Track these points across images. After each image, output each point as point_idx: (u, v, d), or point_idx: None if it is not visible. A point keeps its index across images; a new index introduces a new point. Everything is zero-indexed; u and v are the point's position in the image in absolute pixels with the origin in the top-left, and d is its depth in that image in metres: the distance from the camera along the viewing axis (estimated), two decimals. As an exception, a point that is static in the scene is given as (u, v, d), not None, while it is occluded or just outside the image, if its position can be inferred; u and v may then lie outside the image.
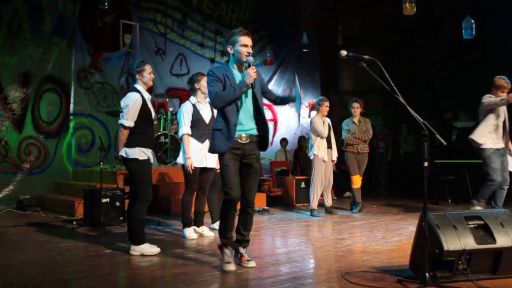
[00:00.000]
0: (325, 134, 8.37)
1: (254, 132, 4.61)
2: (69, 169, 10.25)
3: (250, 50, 4.52)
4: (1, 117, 9.40)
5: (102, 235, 6.51)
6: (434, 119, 12.34)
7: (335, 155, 8.61)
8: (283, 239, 6.36)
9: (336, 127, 11.44)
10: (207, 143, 6.27)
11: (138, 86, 5.35)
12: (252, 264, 4.63)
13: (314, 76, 15.06)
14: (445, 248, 3.86)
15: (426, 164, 3.84)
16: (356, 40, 15.91)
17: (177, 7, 12.29)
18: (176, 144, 9.30)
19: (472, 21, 9.99)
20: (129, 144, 5.23)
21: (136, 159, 5.21)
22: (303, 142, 12.99)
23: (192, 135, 6.22)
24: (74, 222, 7.39)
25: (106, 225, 6.87)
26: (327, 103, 8.52)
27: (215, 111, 6.44)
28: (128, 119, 5.20)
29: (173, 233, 6.69)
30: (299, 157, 12.58)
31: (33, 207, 9.02)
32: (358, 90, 15.50)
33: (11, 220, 7.82)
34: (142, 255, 5.17)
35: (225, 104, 4.44)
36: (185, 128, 6.19)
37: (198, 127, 6.24)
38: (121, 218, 7.21)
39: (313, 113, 8.66)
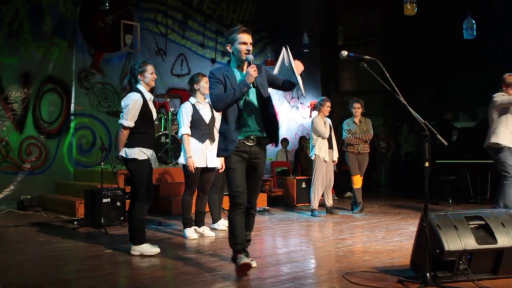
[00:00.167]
0: (327, 134, 8.37)
1: (262, 133, 4.44)
2: (70, 169, 10.26)
3: (250, 48, 4.35)
4: (2, 118, 9.41)
5: (103, 235, 6.51)
6: (434, 119, 12.35)
7: (336, 155, 8.61)
8: (284, 239, 6.36)
9: (337, 127, 11.44)
10: (207, 143, 6.28)
11: (140, 86, 5.35)
12: (253, 264, 4.53)
13: (315, 76, 15.06)
14: (446, 248, 3.86)
15: (427, 164, 3.84)
16: (357, 41, 15.93)
17: (178, 7, 12.30)
18: (177, 144, 9.30)
19: (473, 21, 9.99)
20: (129, 144, 5.24)
21: (135, 159, 5.20)
22: (303, 142, 13.00)
23: (192, 135, 6.22)
24: (75, 222, 7.39)
25: (106, 225, 6.87)
26: (328, 104, 8.52)
27: (215, 112, 6.47)
28: (128, 119, 5.20)
29: (173, 233, 6.69)
30: (299, 157, 12.58)
31: (34, 207, 9.02)
32: (359, 90, 15.51)
33: (12, 220, 7.82)
34: (143, 255, 5.17)
35: (226, 106, 4.29)
36: (184, 128, 6.20)
37: (198, 127, 6.24)
38: (122, 218, 7.21)
39: (314, 113, 8.67)
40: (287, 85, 4.53)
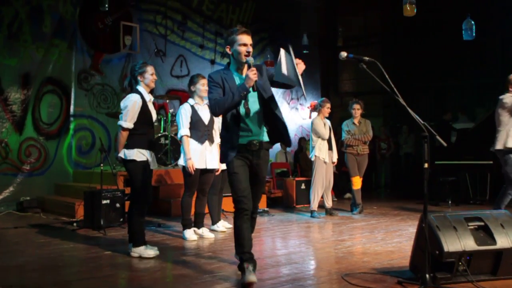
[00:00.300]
0: (326, 135, 8.38)
1: (264, 137, 4.31)
2: (69, 171, 10.25)
3: (250, 49, 4.20)
4: (2, 119, 9.40)
5: (102, 237, 6.51)
6: (434, 120, 12.35)
7: (335, 156, 8.62)
8: (283, 241, 6.36)
9: (336, 129, 11.44)
10: (207, 144, 6.28)
11: (140, 87, 5.34)
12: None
13: (315, 77, 15.07)
14: (445, 249, 3.86)
15: (426, 165, 3.84)
16: (356, 42, 15.94)
17: (177, 8, 12.30)
18: (176, 146, 9.30)
19: (472, 22, 10.00)
20: (128, 145, 5.23)
21: (133, 160, 5.19)
22: (303, 144, 12.98)
23: (191, 137, 6.22)
24: (74, 224, 7.39)
25: (106, 227, 6.87)
26: (328, 105, 8.53)
27: (214, 117, 6.48)
28: (127, 121, 5.19)
29: (173, 234, 6.69)
30: (299, 159, 12.57)
31: (33, 208, 9.00)
32: (358, 91, 15.52)
33: (11, 222, 7.82)
34: (141, 257, 5.17)
35: (224, 111, 4.14)
36: (183, 129, 6.20)
37: (197, 128, 6.24)
38: (121, 219, 7.21)
39: (314, 114, 8.67)
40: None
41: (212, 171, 6.40)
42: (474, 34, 10.04)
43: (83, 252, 5.60)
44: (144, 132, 5.29)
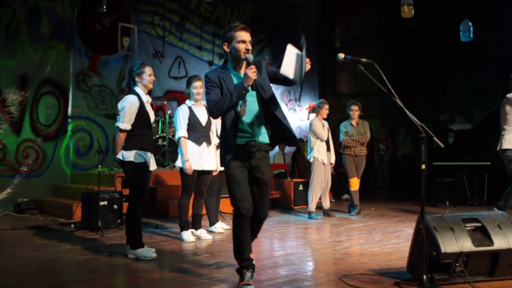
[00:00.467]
0: (325, 137, 8.39)
1: (264, 139, 4.09)
2: (67, 172, 10.24)
3: (249, 47, 4.00)
4: (-1, 120, 9.42)
5: (100, 238, 6.50)
6: (431, 121, 12.37)
7: (333, 157, 8.62)
8: (281, 242, 6.36)
9: (334, 130, 11.44)
10: (204, 145, 6.28)
11: (138, 88, 5.33)
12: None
13: (312, 78, 15.06)
14: (443, 250, 3.86)
15: (423, 166, 3.85)
16: (354, 43, 15.95)
17: (175, 10, 12.31)
18: (174, 147, 9.30)
19: (470, 23, 10.01)
20: (127, 147, 5.22)
21: (131, 162, 5.18)
22: (301, 145, 12.98)
23: (189, 138, 6.22)
24: (72, 225, 7.38)
25: (103, 228, 6.86)
26: (327, 106, 8.54)
27: (212, 118, 6.46)
28: (124, 122, 5.18)
29: (171, 236, 6.68)
30: (297, 160, 12.57)
31: (31, 210, 9.00)
32: (356, 92, 15.52)
33: (9, 223, 7.80)
34: (139, 259, 5.15)
35: (223, 112, 3.94)
36: (181, 131, 6.19)
37: (195, 129, 6.24)
38: (119, 221, 7.20)
39: (312, 115, 8.68)
40: (289, 80, 4.09)
41: (209, 172, 6.40)
42: (471, 36, 10.05)
43: (81, 253, 5.59)
44: (142, 133, 5.28)
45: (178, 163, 6.23)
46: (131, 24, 11.34)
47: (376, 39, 15.74)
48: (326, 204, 8.61)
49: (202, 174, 6.30)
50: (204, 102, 6.50)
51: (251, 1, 13.67)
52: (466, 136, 10.30)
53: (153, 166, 5.42)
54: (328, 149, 8.48)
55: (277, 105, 4.13)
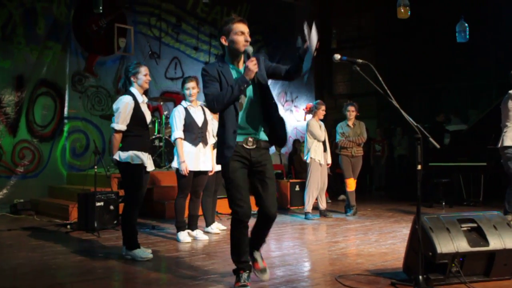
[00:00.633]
0: (322, 137, 8.40)
1: (262, 136, 3.94)
2: (63, 173, 10.23)
3: (248, 39, 3.87)
4: (-5, 121, 9.41)
5: (96, 239, 6.49)
6: (427, 122, 12.40)
7: (329, 158, 8.63)
8: (277, 242, 6.36)
9: (331, 131, 11.47)
10: (200, 146, 6.28)
11: (133, 89, 5.30)
12: (266, 277, 4.09)
13: (309, 79, 15.09)
14: (439, 250, 3.87)
15: (419, 167, 3.85)
16: (351, 44, 15.98)
17: (171, 10, 12.30)
18: (170, 148, 9.29)
19: (466, 24, 10.04)
20: (123, 147, 5.20)
21: (128, 163, 5.16)
22: (297, 145, 13.01)
23: (185, 139, 6.22)
24: (68, 226, 7.37)
25: (100, 229, 6.85)
26: (323, 107, 8.56)
27: (208, 115, 6.47)
28: (119, 123, 5.16)
29: (167, 236, 6.68)
30: (293, 160, 12.59)
31: (27, 211, 8.97)
32: (353, 93, 15.55)
33: (5, 224, 7.79)
34: (135, 259, 5.14)
35: (223, 106, 3.78)
36: (177, 132, 6.19)
37: (191, 130, 6.23)
38: (115, 222, 7.19)
39: (308, 116, 8.70)
40: (292, 71, 3.92)
41: (205, 173, 6.40)
42: (467, 37, 10.08)
43: (77, 254, 5.58)
44: (138, 134, 5.26)
45: (174, 164, 6.23)
46: (128, 25, 11.33)
47: (372, 40, 15.78)
48: (323, 205, 8.62)
49: (198, 174, 6.30)
50: (200, 103, 6.51)
51: (248, 2, 13.67)
52: (462, 136, 10.33)
53: (150, 167, 5.41)
54: (325, 150, 8.49)
55: (271, 99, 3.99)
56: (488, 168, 9.35)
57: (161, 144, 9.43)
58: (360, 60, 4.09)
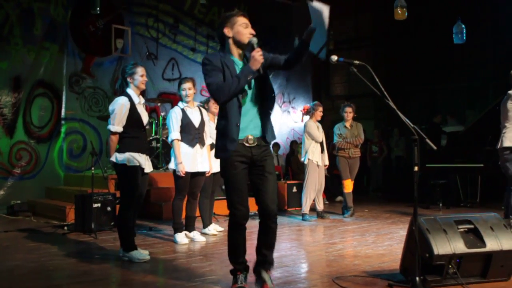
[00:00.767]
0: (320, 138, 8.41)
1: (259, 132, 3.82)
2: (60, 174, 10.22)
3: (253, 31, 3.82)
4: (-8, 122, 9.39)
5: (93, 241, 6.48)
6: (425, 123, 12.41)
7: (327, 159, 8.64)
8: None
9: (328, 132, 11.47)
10: (197, 147, 6.27)
11: (129, 90, 5.27)
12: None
13: (306, 80, 15.08)
14: (435, 252, 3.87)
15: (416, 168, 3.86)
16: (348, 45, 16.00)
17: (169, 11, 12.29)
18: (167, 149, 9.29)
19: (463, 26, 10.06)
20: (120, 149, 5.18)
21: (124, 165, 5.13)
22: (294, 147, 13.01)
23: (182, 140, 6.21)
24: (65, 227, 7.35)
25: (97, 230, 6.84)
26: (321, 108, 8.57)
27: (205, 116, 6.46)
28: (115, 124, 5.14)
29: (164, 238, 6.67)
30: (291, 162, 12.59)
31: (24, 212, 8.96)
32: (350, 94, 15.57)
33: (2, 226, 7.77)
34: (132, 261, 5.14)
35: (228, 97, 3.66)
36: (174, 133, 6.18)
37: (188, 131, 6.22)
38: (112, 223, 7.19)
39: (306, 117, 8.70)
40: (292, 59, 3.86)
41: (202, 174, 6.39)
42: (464, 38, 10.09)
43: (74, 256, 5.57)
44: (135, 135, 5.23)
45: (172, 165, 6.23)
46: (125, 26, 11.32)
47: (369, 41, 15.80)
48: (320, 206, 8.62)
49: (195, 175, 6.29)
50: (197, 103, 6.50)
51: (245, 3, 13.65)
52: (459, 138, 10.33)
53: (148, 168, 5.39)
54: (322, 151, 8.50)
55: (273, 96, 3.89)
56: (485, 170, 9.35)
57: (159, 145, 9.43)
58: (357, 62, 4.08)
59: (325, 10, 3.65)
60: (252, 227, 7.79)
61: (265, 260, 3.91)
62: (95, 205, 7.01)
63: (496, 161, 7.16)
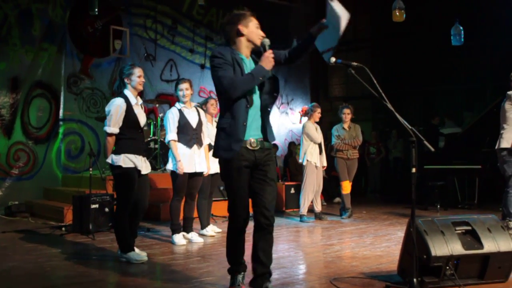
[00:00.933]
0: (319, 140, 8.41)
1: (263, 134, 3.74)
2: (58, 175, 10.20)
3: (263, 34, 3.80)
4: (-10, 123, 9.38)
5: (91, 242, 6.48)
6: (423, 124, 12.43)
7: (325, 161, 8.64)
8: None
9: (326, 133, 11.47)
10: (195, 148, 6.26)
11: (127, 91, 5.25)
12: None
13: (304, 82, 15.09)
14: (433, 253, 3.88)
15: (414, 170, 3.86)
16: (346, 46, 15.98)
17: (167, 13, 12.29)
18: (165, 150, 9.27)
19: (461, 28, 10.07)
20: (116, 150, 5.15)
21: (120, 167, 5.10)
22: (293, 148, 13.01)
23: (179, 141, 6.20)
24: (63, 228, 7.34)
25: (95, 231, 6.84)
26: (319, 110, 8.57)
27: (202, 116, 6.45)
28: (111, 126, 5.12)
29: (162, 239, 6.67)
30: (288, 163, 12.60)
31: (22, 213, 8.95)
32: (348, 96, 15.56)
33: (0, 227, 7.77)
34: (130, 262, 5.13)
35: (241, 93, 3.56)
36: (171, 134, 6.18)
37: (185, 132, 6.22)
38: (110, 224, 7.17)
39: (304, 119, 8.71)
40: (293, 54, 3.86)
41: (200, 174, 6.38)
42: (462, 40, 10.11)
43: (71, 256, 5.57)
44: (132, 136, 5.21)
45: (169, 166, 6.22)
46: (123, 27, 11.31)
47: (368, 43, 15.80)
48: (318, 207, 8.62)
49: (193, 176, 6.29)
50: (194, 104, 6.51)
51: (243, 5, 13.58)
52: (457, 139, 10.35)
53: (146, 170, 5.35)
54: (320, 152, 8.50)
55: (275, 95, 3.83)
56: (483, 171, 9.37)
57: (157, 146, 9.42)
58: (355, 63, 4.09)
59: (344, 16, 3.68)
60: (250, 228, 7.78)
61: (266, 272, 3.78)
62: (93, 206, 7.01)
63: (494, 163, 7.18)
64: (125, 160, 5.12)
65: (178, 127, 6.20)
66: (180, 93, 6.25)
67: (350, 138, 8.78)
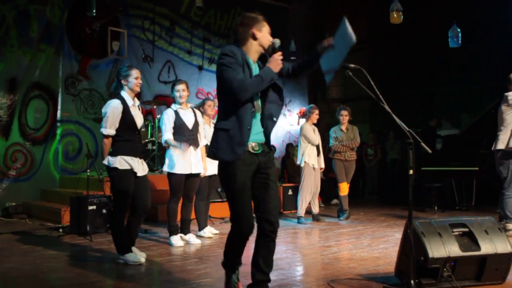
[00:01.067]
0: (317, 141, 8.42)
1: (264, 139, 3.66)
2: (56, 176, 10.19)
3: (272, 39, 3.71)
4: (-12, 124, 9.37)
5: (89, 243, 6.47)
6: (421, 126, 12.43)
7: (322, 162, 8.64)
8: (270, 247, 6.34)
9: (324, 135, 11.48)
10: (191, 149, 6.23)
11: (124, 92, 5.24)
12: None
13: (302, 83, 15.09)
14: (430, 255, 3.88)
15: (411, 172, 3.87)
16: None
17: (165, 14, 12.30)
18: (163, 152, 9.26)
19: (458, 29, 10.09)
20: (112, 152, 5.14)
21: (116, 168, 5.09)
22: (290, 150, 13.01)
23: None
24: (60, 230, 7.34)
25: (92, 233, 6.83)
26: (317, 111, 8.58)
27: (199, 117, 6.44)
28: (107, 127, 5.11)
29: (159, 240, 6.66)
30: (286, 164, 12.59)
31: (19, 214, 8.95)
32: (346, 97, 15.57)
33: (-3, 228, 7.77)
34: (127, 263, 5.13)
35: (250, 96, 3.46)
36: (167, 134, 6.18)
37: (181, 133, 6.21)
38: (108, 225, 7.17)
39: (302, 120, 8.71)
40: (297, 69, 3.81)
41: (197, 175, 6.37)
42: (460, 42, 10.13)
43: (69, 258, 5.56)
44: (128, 138, 5.20)
45: (165, 168, 6.22)
46: (121, 28, 11.31)
47: (365, 45, 15.79)
48: (315, 209, 8.62)
49: (189, 177, 6.28)
50: (190, 105, 6.51)
51: (241, 6, 13.67)
52: (454, 141, 10.36)
53: (142, 172, 5.33)
54: (318, 154, 8.50)
55: (281, 103, 3.73)
56: (481, 173, 9.39)
57: (154, 147, 9.41)
58: (352, 65, 4.09)
59: (352, 40, 3.64)
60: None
61: (265, 280, 3.69)
62: (91, 207, 7.01)
63: (491, 165, 7.19)
64: (121, 162, 5.11)
65: (174, 128, 6.20)
66: (177, 94, 6.26)
67: (348, 140, 8.79)
